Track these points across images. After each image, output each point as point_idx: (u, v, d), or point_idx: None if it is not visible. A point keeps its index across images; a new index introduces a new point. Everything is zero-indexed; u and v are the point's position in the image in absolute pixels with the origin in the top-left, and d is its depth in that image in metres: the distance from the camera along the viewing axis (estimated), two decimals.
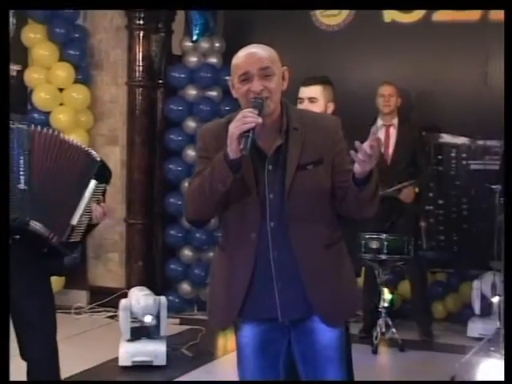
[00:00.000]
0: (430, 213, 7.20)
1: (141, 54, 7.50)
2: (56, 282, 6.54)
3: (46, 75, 7.35)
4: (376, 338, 6.25)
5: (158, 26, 7.56)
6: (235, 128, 2.82)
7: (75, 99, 7.45)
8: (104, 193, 3.92)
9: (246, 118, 2.81)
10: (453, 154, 7.21)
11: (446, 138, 7.22)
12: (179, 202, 7.22)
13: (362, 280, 6.72)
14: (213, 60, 7.52)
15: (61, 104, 7.40)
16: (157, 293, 6.17)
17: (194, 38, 7.51)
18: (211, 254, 6.93)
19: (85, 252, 7.60)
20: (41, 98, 7.31)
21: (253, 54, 2.97)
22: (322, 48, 7.47)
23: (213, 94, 7.46)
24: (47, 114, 7.31)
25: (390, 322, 6.29)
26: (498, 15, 6.81)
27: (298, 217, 2.98)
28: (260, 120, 2.83)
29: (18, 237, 3.63)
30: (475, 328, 6.60)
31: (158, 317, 5.82)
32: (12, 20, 7.12)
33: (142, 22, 7.45)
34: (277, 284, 3.01)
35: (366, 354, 6.10)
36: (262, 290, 3.02)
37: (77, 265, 6.98)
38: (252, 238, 2.99)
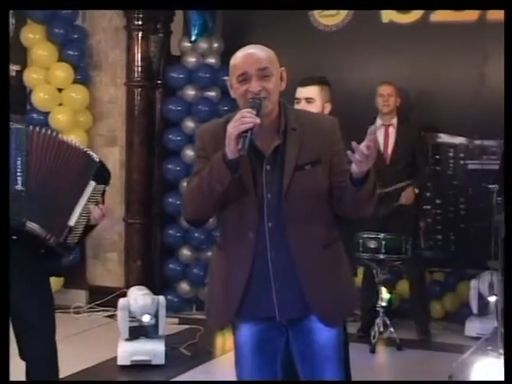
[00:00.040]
0: (427, 212, 7.21)
1: (139, 54, 7.51)
2: (55, 281, 6.58)
3: (45, 75, 7.37)
4: (374, 337, 6.26)
5: (156, 27, 7.58)
6: (233, 128, 2.83)
7: (74, 99, 7.46)
8: (103, 194, 3.91)
9: (244, 119, 2.82)
10: (450, 154, 7.22)
11: (444, 137, 7.23)
12: (178, 202, 7.24)
13: (359, 279, 6.75)
14: (211, 60, 7.54)
15: (60, 104, 7.41)
16: (155, 292, 6.18)
17: (193, 38, 7.53)
18: (210, 254, 6.95)
19: (84, 251, 7.62)
20: (40, 98, 7.32)
21: (251, 54, 2.98)
22: (320, 48, 7.48)
23: (211, 94, 7.47)
24: (46, 114, 7.33)
25: (387, 322, 6.30)
26: (495, 15, 6.83)
27: (295, 217, 2.99)
28: (258, 120, 2.84)
29: (15, 237, 3.63)
30: (473, 327, 6.61)
31: (156, 316, 5.83)
32: (11, 20, 7.13)
33: (140, 22, 7.46)
34: (274, 284, 3.02)
35: (364, 353, 6.11)
36: (260, 289, 3.03)
37: (75, 265, 7.05)
38: (250, 237, 3.00)
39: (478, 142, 7.12)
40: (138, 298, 5.85)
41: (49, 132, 3.78)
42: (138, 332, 5.82)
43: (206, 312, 3.29)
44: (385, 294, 6.61)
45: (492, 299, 6.24)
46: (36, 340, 3.79)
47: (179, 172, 7.43)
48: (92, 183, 3.80)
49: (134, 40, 7.52)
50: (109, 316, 7.20)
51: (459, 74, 7.15)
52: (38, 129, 3.74)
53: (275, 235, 3.00)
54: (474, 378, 5.46)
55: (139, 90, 7.56)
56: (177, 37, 7.72)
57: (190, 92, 7.46)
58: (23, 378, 3.86)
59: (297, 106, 4.17)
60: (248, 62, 2.96)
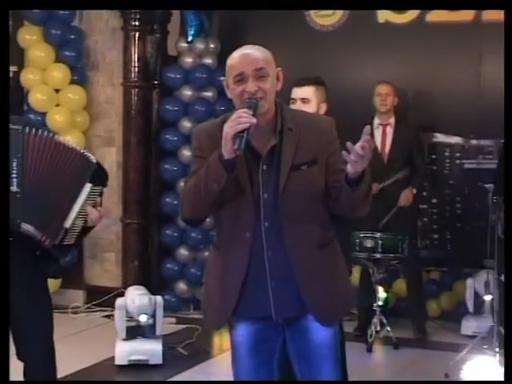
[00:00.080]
0: (423, 212, 7.23)
1: (136, 54, 7.52)
2: (53, 281, 6.53)
3: (42, 76, 7.38)
4: (370, 336, 6.28)
5: (153, 27, 7.58)
6: (230, 128, 2.84)
7: (71, 100, 7.47)
8: (101, 195, 3.89)
9: (241, 119, 2.83)
10: (446, 154, 7.23)
11: (440, 137, 7.24)
12: (175, 202, 7.26)
13: (356, 279, 6.77)
14: (208, 61, 7.55)
15: (57, 105, 7.42)
16: (153, 292, 6.20)
17: (190, 38, 7.54)
18: (207, 254, 6.96)
19: (81, 252, 7.63)
20: (37, 98, 7.33)
21: (248, 54, 2.99)
22: (317, 48, 7.48)
23: (208, 94, 7.48)
24: (43, 114, 7.33)
25: (384, 321, 6.31)
26: (490, 15, 6.85)
27: (291, 216, 3.00)
28: (254, 120, 2.85)
29: (10, 239, 3.60)
30: (469, 326, 6.63)
31: (153, 316, 5.84)
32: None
33: (137, 23, 7.47)
34: (271, 283, 3.03)
35: (360, 351, 6.13)
36: (256, 288, 3.04)
37: (73, 265, 7.06)
38: (246, 237, 3.01)
39: (474, 141, 7.14)
40: (135, 297, 5.86)
41: (45, 133, 3.76)
42: (135, 332, 5.84)
43: (203, 311, 3.29)
44: (381, 293, 6.64)
45: (487, 298, 6.25)
46: (34, 341, 3.79)
47: (176, 172, 7.44)
48: (88, 185, 3.78)
49: (130, 40, 7.53)
50: (106, 316, 7.22)
51: (455, 74, 7.16)
52: (34, 130, 3.71)
53: (272, 235, 3.01)
54: (470, 376, 5.48)
55: (136, 90, 7.57)
56: (173, 37, 7.73)
57: (187, 92, 7.47)
58: (23, 378, 3.86)
59: (292, 107, 4.17)
60: (245, 63, 2.97)
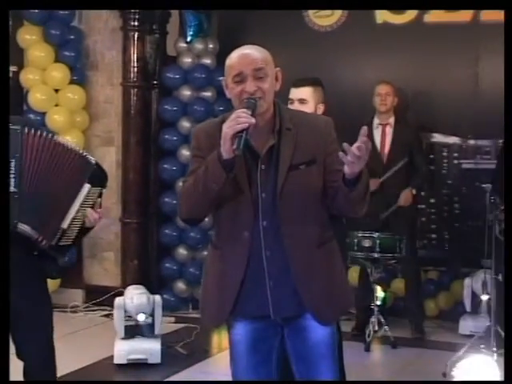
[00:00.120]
0: (422, 211, 7.24)
1: (135, 55, 7.53)
2: (52, 280, 6.57)
3: (42, 76, 7.39)
4: (369, 335, 6.30)
5: (152, 28, 7.60)
6: (229, 128, 2.85)
7: (71, 100, 7.49)
8: (100, 196, 3.87)
9: (240, 119, 2.84)
10: (444, 154, 7.25)
11: (438, 137, 7.26)
12: (174, 202, 7.26)
13: (354, 278, 6.79)
14: (207, 61, 7.56)
15: (56, 105, 7.43)
16: (152, 291, 6.21)
17: (188, 39, 7.55)
18: (206, 253, 6.96)
19: (80, 251, 7.65)
20: (36, 98, 7.34)
21: (247, 55, 3.00)
22: (315, 48, 7.49)
23: (207, 94, 7.50)
24: (43, 114, 7.35)
25: (382, 320, 6.34)
26: (488, 16, 6.87)
27: (290, 216, 3.01)
28: (253, 120, 2.86)
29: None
30: (466, 325, 6.65)
31: (152, 315, 5.85)
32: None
33: (136, 23, 7.48)
34: (269, 282, 3.04)
35: (358, 351, 6.15)
36: (255, 288, 3.05)
37: (72, 264, 7.08)
38: (245, 236, 3.02)
39: (471, 141, 7.15)
40: (134, 297, 5.87)
41: (44, 134, 3.74)
42: (133, 331, 5.85)
43: (201, 310, 3.30)
44: (379, 292, 6.66)
45: (484, 298, 6.27)
46: (34, 340, 3.79)
47: (175, 172, 7.46)
48: (87, 185, 3.77)
49: (130, 41, 7.54)
50: (105, 315, 7.23)
51: (452, 75, 7.17)
52: (33, 130, 3.70)
53: (270, 234, 3.02)
54: (467, 375, 5.50)
55: (135, 90, 7.58)
56: (173, 37, 7.74)
57: (186, 92, 7.49)
58: (23, 378, 3.87)
59: (290, 107, 4.17)
60: (244, 63, 2.98)
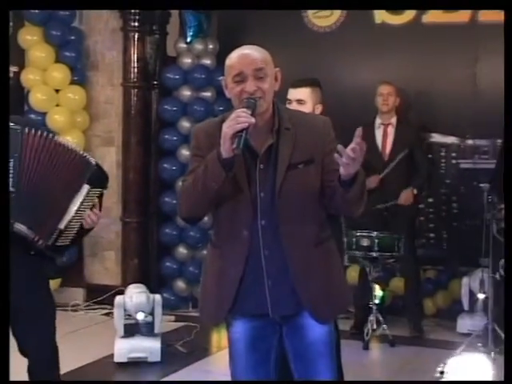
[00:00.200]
0: (420, 211, 7.26)
1: (136, 55, 7.56)
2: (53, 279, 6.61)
3: (43, 76, 7.41)
4: (367, 334, 6.31)
5: (152, 28, 7.62)
6: (228, 128, 2.86)
7: (71, 100, 7.51)
8: (100, 197, 3.85)
9: (240, 118, 2.86)
10: (442, 153, 7.27)
11: (436, 137, 7.28)
12: (174, 201, 7.27)
13: (354, 277, 6.81)
14: (207, 61, 7.58)
15: (57, 105, 7.45)
16: (152, 290, 6.23)
17: (188, 39, 7.57)
18: (205, 252, 6.99)
19: (81, 250, 7.68)
20: (37, 98, 7.36)
21: (247, 55, 3.02)
22: (314, 49, 7.50)
23: (207, 94, 7.52)
24: (43, 114, 7.36)
25: (380, 319, 6.35)
26: (487, 16, 6.89)
27: (288, 215, 3.03)
28: (253, 120, 2.87)
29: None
30: (464, 324, 6.67)
31: (152, 314, 5.86)
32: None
33: (136, 24, 7.50)
34: (267, 281, 3.06)
35: (357, 349, 6.16)
36: (253, 286, 3.07)
37: (73, 264, 7.09)
38: (244, 235, 3.04)
39: (469, 141, 7.17)
40: (133, 295, 5.88)
41: (44, 134, 3.72)
42: (133, 329, 5.86)
43: (200, 309, 3.32)
44: (378, 291, 6.68)
45: (481, 296, 6.29)
46: (36, 337, 3.80)
47: (175, 171, 7.48)
48: (86, 186, 3.75)
49: (130, 41, 7.56)
50: (106, 314, 7.25)
51: (451, 75, 7.18)
52: (33, 130, 3.68)
53: (268, 233, 3.04)
54: (465, 373, 5.53)
55: (135, 90, 7.61)
56: (173, 38, 7.76)
57: (186, 92, 7.51)
58: (23, 378, 3.88)
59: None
60: (244, 63, 2.99)
